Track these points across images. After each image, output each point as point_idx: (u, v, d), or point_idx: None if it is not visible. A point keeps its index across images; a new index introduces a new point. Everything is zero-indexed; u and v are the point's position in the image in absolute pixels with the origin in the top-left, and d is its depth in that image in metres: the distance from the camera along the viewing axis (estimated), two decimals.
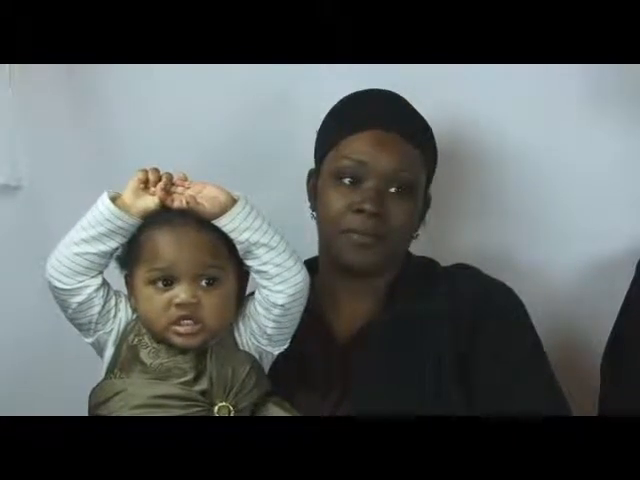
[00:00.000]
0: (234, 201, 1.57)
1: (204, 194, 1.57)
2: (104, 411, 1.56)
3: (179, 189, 1.58)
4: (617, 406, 1.73)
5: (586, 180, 1.98)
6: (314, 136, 1.80)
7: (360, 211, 1.68)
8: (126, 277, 1.63)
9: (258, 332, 1.61)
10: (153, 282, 1.57)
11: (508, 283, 1.76)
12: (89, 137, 2.10)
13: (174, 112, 2.05)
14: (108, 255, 1.59)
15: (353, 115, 1.76)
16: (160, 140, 2.05)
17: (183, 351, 1.57)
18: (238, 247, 1.58)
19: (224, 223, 1.56)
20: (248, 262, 1.59)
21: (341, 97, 1.79)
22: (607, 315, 1.80)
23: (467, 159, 2.02)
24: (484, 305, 1.71)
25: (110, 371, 1.60)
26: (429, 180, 1.78)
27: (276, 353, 1.64)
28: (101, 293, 1.60)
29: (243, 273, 1.62)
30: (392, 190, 1.70)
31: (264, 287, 1.59)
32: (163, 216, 1.58)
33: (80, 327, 1.62)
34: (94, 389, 1.60)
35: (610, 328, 1.79)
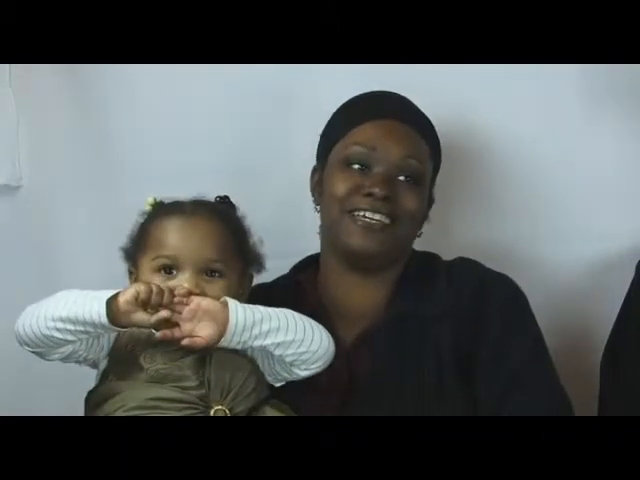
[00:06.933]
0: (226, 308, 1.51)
1: (202, 307, 1.51)
2: (100, 414, 1.54)
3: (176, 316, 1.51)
4: (617, 406, 1.73)
5: (586, 179, 1.99)
6: (313, 136, 1.80)
7: (369, 195, 1.67)
8: (130, 271, 1.62)
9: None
10: (157, 270, 1.56)
11: None
12: (89, 137, 2.09)
13: (174, 112, 2.05)
14: (82, 340, 1.54)
15: (365, 107, 1.75)
16: (160, 140, 2.05)
17: (181, 356, 1.54)
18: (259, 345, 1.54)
19: (228, 342, 1.52)
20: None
21: (341, 97, 1.79)
22: (607, 315, 1.80)
23: (468, 157, 2.02)
24: (486, 299, 1.70)
25: (105, 377, 1.57)
26: (433, 178, 1.78)
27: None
28: (83, 344, 1.54)
29: (246, 275, 1.61)
30: (401, 178, 1.69)
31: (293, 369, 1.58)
32: (175, 205, 1.57)
33: (68, 361, 1.58)
34: (90, 393, 1.58)
35: (610, 328, 1.79)
